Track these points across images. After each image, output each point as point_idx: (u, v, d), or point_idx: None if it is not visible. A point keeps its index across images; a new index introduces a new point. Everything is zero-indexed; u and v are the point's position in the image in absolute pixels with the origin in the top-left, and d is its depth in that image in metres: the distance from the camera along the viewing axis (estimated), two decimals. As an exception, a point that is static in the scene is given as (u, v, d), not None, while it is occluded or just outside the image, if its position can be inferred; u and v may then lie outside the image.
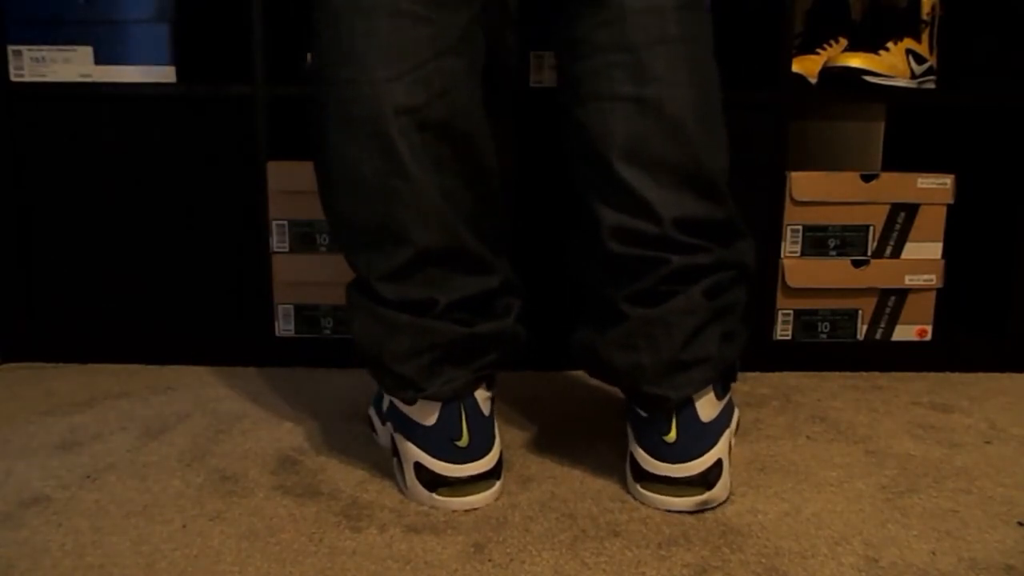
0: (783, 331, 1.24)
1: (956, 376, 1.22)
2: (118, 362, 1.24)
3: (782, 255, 1.21)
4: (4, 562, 0.72)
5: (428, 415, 0.83)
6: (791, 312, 1.23)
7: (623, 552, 0.75)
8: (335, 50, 0.79)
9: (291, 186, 1.18)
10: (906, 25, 1.26)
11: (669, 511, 0.82)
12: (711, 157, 0.81)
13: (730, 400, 0.89)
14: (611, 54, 0.80)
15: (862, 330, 1.25)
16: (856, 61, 1.20)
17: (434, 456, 0.82)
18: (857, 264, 1.22)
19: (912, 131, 1.48)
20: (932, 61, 1.29)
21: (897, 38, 1.25)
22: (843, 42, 1.35)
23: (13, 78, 1.18)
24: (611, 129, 0.80)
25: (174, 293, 1.25)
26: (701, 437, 0.82)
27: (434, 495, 0.82)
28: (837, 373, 1.23)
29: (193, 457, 0.93)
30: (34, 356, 1.25)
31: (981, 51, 1.32)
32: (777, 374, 1.21)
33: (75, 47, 1.17)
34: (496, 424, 0.87)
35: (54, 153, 1.21)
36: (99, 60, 1.17)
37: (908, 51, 1.25)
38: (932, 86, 1.29)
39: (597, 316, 0.86)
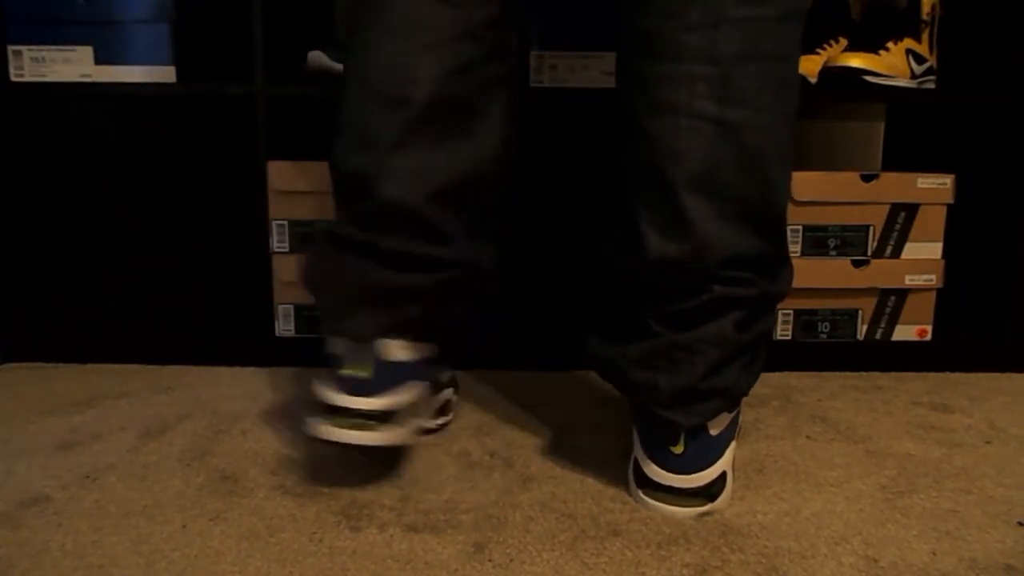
0: (783, 331, 1.24)
1: (956, 376, 1.22)
2: (118, 362, 1.23)
3: (782, 255, 1.21)
4: (4, 562, 0.72)
5: (339, 346, 0.86)
6: (791, 312, 1.23)
7: (623, 552, 0.75)
8: (360, 14, 0.83)
9: (291, 186, 1.18)
10: (906, 25, 1.26)
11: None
12: (780, 193, 0.78)
13: (738, 410, 0.89)
14: (695, 64, 0.73)
15: (862, 330, 1.25)
16: (856, 61, 1.20)
17: (330, 384, 0.82)
18: (857, 264, 1.22)
19: (912, 131, 1.48)
20: (932, 61, 1.29)
21: (897, 38, 1.25)
22: (843, 42, 1.35)
23: (13, 78, 1.18)
24: (683, 149, 0.74)
25: (174, 293, 1.25)
26: (708, 450, 0.82)
27: (321, 424, 0.81)
28: (837, 373, 1.23)
29: (193, 457, 0.93)
30: (34, 356, 1.25)
31: (981, 51, 1.32)
32: (777, 374, 1.21)
33: (75, 47, 1.17)
34: (418, 380, 0.87)
35: (54, 153, 1.21)
36: (99, 60, 1.17)
37: (908, 51, 1.25)
38: (932, 86, 1.29)
39: (620, 326, 0.84)
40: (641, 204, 0.78)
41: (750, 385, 0.85)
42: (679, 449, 0.81)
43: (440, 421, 1.00)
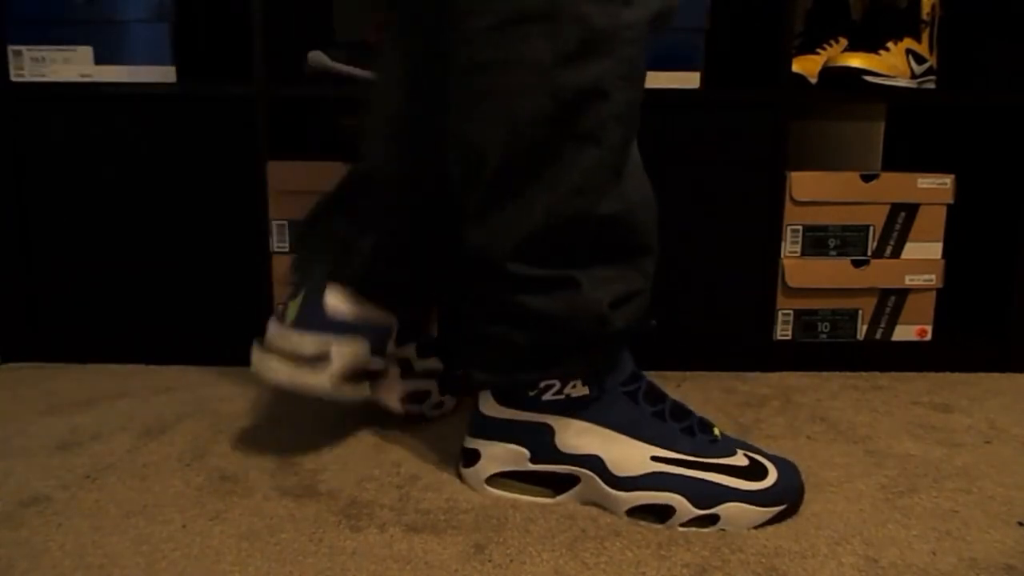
0: (783, 331, 1.24)
1: (956, 376, 1.22)
2: (118, 362, 1.24)
3: (782, 255, 1.21)
4: (4, 562, 0.72)
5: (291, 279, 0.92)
6: (791, 312, 1.23)
7: (623, 552, 0.75)
8: None
9: (291, 186, 1.18)
10: (906, 25, 1.26)
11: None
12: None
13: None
14: None
15: (862, 330, 1.25)
16: (856, 61, 1.20)
17: (274, 315, 0.89)
18: (857, 264, 1.22)
19: (912, 131, 1.48)
20: (932, 61, 1.29)
21: (897, 38, 1.25)
22: (843, 42, 1.35)
23: (13, 78, 1.18)
24: None
25: (174, 293, 1.25)
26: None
27: (254, 350, 0.87)
28: (837, 373, 1.23)
29: (193, 457, 0.93)
30: (34, 356, 1.25)
31: (981, 51, 1.32)
32: (777, 374, 1.21)
33: (75, 47, 1.17)
34: (357, 336, 0.87)
35: (54, 153, 1.21)
36: (99, 60, 1.17)
37: (908, 51, 1.25)
38: (932, 86, 1.29)
39: None
40: None
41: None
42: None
43: (422, 409, 1.00)
